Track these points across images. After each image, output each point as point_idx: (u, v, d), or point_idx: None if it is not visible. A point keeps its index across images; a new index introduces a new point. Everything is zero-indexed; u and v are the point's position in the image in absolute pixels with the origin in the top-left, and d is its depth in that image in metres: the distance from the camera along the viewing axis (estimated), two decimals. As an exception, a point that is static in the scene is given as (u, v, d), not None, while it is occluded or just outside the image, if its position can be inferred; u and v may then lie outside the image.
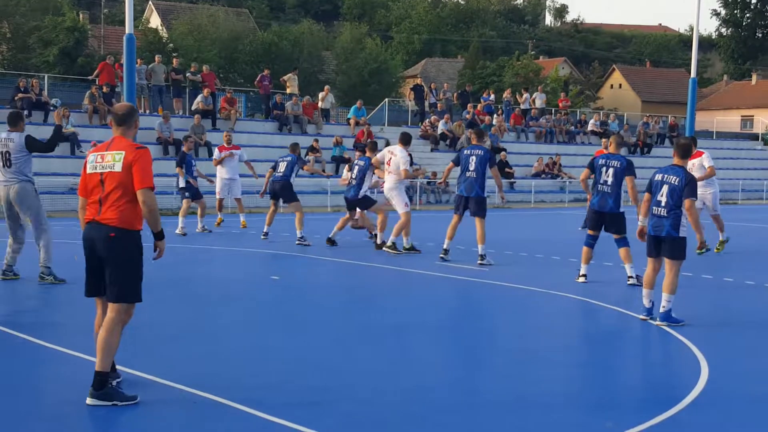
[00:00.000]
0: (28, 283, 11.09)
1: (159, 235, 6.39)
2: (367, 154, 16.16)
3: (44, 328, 8.64)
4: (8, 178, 10.84)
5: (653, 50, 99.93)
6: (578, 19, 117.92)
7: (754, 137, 50.53)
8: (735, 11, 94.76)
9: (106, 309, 6.38)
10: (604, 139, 21.69)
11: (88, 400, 6.14)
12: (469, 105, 37.22)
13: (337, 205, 26.58)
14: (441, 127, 34.72)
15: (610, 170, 11.81)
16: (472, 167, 13.94)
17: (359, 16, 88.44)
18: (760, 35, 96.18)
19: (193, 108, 29.75)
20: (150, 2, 70.67)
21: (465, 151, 14.24)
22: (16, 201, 10.91)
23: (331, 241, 16.22)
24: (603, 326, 9.80)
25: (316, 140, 29.62)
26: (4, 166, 10.80)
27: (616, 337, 9.17)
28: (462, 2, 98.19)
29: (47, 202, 22.26)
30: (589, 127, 40.51)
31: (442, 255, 14.29)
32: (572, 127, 40.12)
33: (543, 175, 34.29)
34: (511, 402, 6.52)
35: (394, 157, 15.31)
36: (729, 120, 63.74)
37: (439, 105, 36.85)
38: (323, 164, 29.16)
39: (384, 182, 15.64)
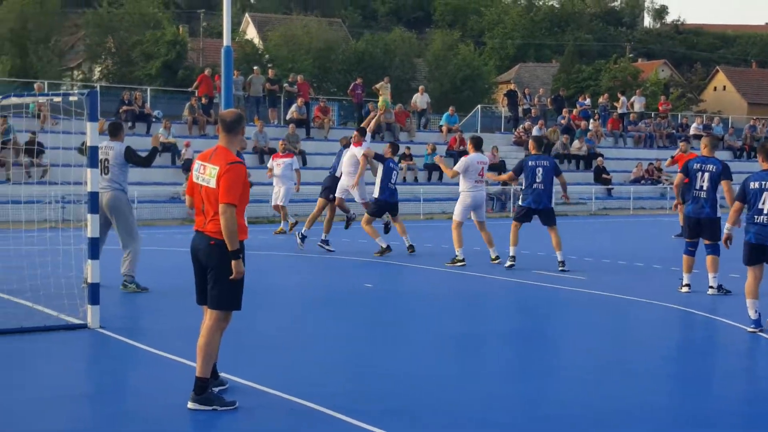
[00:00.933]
0: (112, 290, 11.41)
1: (233, 255, 6.23)
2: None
3: (145, 333, 8.89)
4: (103, 186, 10.95)
5: (759, 50, 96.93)
6: (679, 20, 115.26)
7: None
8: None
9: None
10: (682, 142, 20.40)
11: (189, 404, 6.30)
12: (564, 110, 36.77)
13: (430, 212, 26.65)
14: (535, 132, 34.37)
15: (706, 175, 11.43)
16: (539, 179, 13.85)
17: (451, 22, 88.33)
18: None
19: (287, 117, 30.21)
20: (246, 14, 72.03)
21: (530, 162, 14.04)
22: (109, 209, 11.08)
23: (411, 248, 15.94)
24: (705, 337, 9.58)
25: (408, 148, 29.71)
26: (101, 173, 10.88)
27: (719, 349, 8.95)
28: (556, 6, 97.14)
29: (148, 211, 22.97)
30: (692, 131, 39.46)
31: (510, 263, 14.11)
32: (673, 131, 39.23)
33: (642, 181, 33.64)
34: (610, 414, 6.42)
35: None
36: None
37: (533, 110, 36.51)
38: (415, 172, 29.24)
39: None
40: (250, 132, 27.95)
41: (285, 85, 31.67)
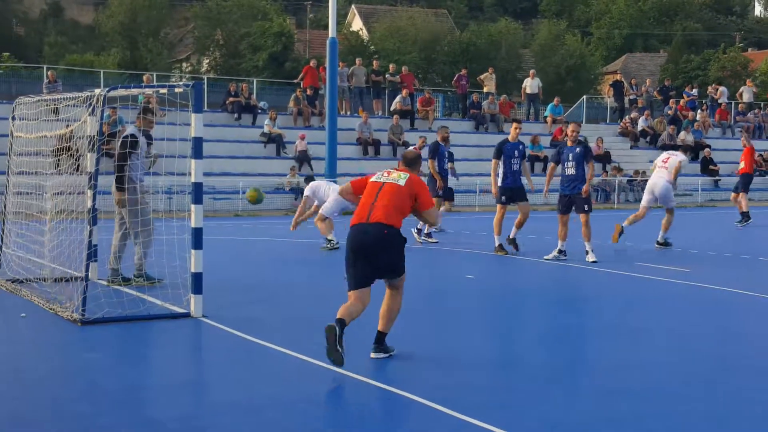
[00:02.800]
0: (216, 280, 11.72)
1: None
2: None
3: (247, 323, 9.14)
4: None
5: None
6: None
7: None
8: None
9: (359, 296, 7.43)
10: None
11: (372, 355, 7.54)
12: (671, 100, 36.02)
13: (486, 204, 26.44)
14: (641, 123, 33.83)
15: None
16: (568, 164, 14.04)
17: (558, 12, 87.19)
18: None
19: (391, 109, 30.44)
20: (353, 6, 72.59)
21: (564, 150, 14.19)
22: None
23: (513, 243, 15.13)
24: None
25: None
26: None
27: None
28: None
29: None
30: (806, 121, 38.32)
31: (563, 257, 13.99)
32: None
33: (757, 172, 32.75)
34: (724, 416, 6.37)
35: None
36: None
37: (639, 101, 35.89)
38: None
39: None
40: (354, 123, 28.32)
41: (387, 76, 31.89)
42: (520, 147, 14.85)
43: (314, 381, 6.93)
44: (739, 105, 37.93)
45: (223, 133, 27.11)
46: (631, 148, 33.23)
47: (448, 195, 17.24)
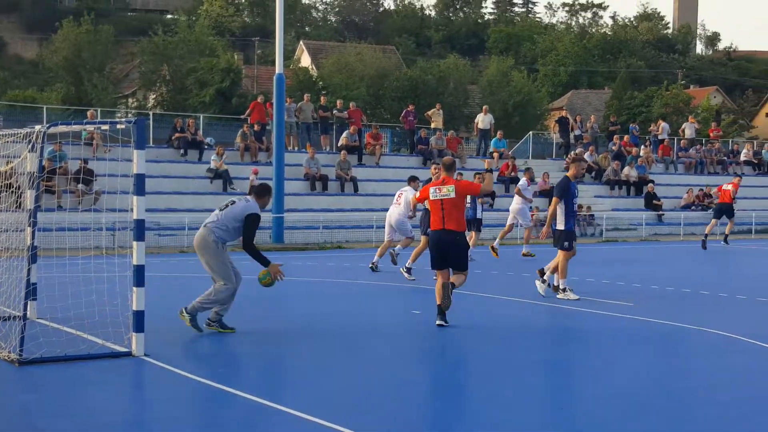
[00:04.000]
0: (157, 318, 11.57)
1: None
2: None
3: (190, 360, 9.01)
4: (210, 220, 10.58)
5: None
6: (731, 47, 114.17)
7: None
8: None
9: (446, 276, 11.05)
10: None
11: (438, 322, 10.84)
12: (615, 137, 36.61)
13: (481, 238, 26.61)
14: (586, 159, 34.27)
15: None
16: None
17: (505, 49, 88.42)
18: None
19: (339, 144, 30.49)
20: (301, 42, 72.87)
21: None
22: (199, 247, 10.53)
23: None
24: (750, 364, 9.47)
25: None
26: (219, 210, 10.65)
27: (746, 373, 8.84)
28: (609, 33, 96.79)
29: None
30: (743, 157, 39.13)
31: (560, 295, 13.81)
32: (724, 158, 38.82)
33: (693, 207, 33.29)
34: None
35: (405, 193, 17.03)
36: None
37: (584, 137, 36.40)
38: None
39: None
40: (302, 159, 28.30)
41: (335, 111, 31.99)
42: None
43: (256, 419, 6.85)
44: (682, 141, 38.66)
45: (169, 168, 26.91)
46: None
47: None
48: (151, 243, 22.34)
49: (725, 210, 25.58)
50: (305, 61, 65.38)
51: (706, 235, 24.65)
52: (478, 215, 20.32)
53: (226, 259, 10.46)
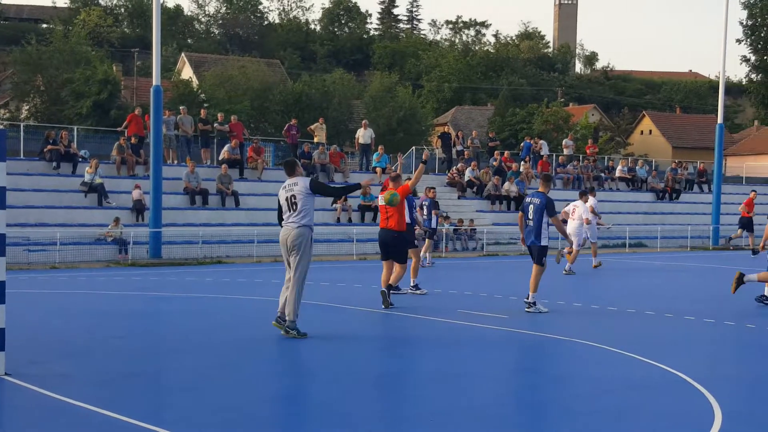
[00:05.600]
0: (21, 335, 11.10)
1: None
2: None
3: (55, 379, 8.62)
4: (292, 221, 11.00)
5: (683, 96, 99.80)
6: (608, 66, 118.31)
7: (786, 182, 50.03)
8: (765, 57, 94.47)
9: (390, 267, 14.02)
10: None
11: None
12: (496, 152, 37.24)
13: (363, 253, 26.65)
14: (468, 174, 34.74)
15: None
16: (530, 215, 13.93)
17: (390, 65, 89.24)
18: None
19: (220, 158, 30.02)
20: (183, 54, 71.82)
21: (527, 199, 14.27)
22: (293, 245, 11.01)
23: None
24: (615, 373, 9.63)
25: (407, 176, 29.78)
26: (290, 209, 10.99)
27: (626, 385, 8.99)
28: (492, 51, 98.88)
29: (72, 253, 22.59)
30: (617, 174, 40.35)
31: (527, 309, 13.98)
32: (601, 174, 39.94)
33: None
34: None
35: None
36: (760, 165, 63.11)
37: (466, 152, 36.89)
38: (349, 212, 29.26)
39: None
40: (181, 172, 27.73)
41: (216, 124, 31.51)
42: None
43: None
44: (560, 157, 39.59)
45: (41, 182, 25.96)
46: (459, 198, 34.03)
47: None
48: (20, 259, 21.55)
49: (745, 223, 29.93)
50: (187, 73, 64.42)
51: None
52: (433, 225, 20.92)
53: None
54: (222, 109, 41.06)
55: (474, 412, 7.65)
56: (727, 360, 10.60)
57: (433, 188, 22.01)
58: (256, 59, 64.54)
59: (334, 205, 29.23)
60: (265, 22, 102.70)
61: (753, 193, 31.84)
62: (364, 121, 35.75)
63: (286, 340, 11.18)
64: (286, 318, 11.15)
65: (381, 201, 13.69)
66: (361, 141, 34.08)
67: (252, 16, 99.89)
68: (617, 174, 40.29)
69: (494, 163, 36.33)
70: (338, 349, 10.77)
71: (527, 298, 14.00)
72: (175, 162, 29.31)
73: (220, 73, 54.98)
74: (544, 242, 13.84)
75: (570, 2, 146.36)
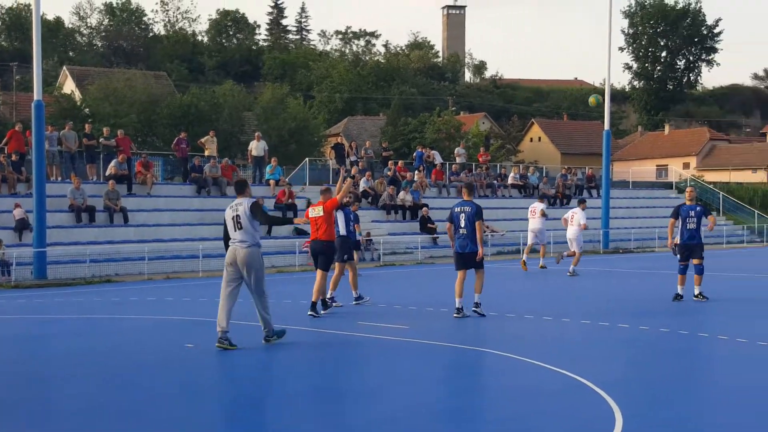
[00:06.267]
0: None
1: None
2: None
3: None
4: (238, 240, 11.43)
5: (570, 104, 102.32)
6: (497, 75, 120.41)
7: (669, 186, 51.55)
8: (646, 65, 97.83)
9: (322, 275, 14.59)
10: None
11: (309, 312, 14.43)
12: (390, 162, 37.23)
13: (303, 264, 26.19)
14: (363, 184, 34.59)
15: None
16: (462, 224, 14.29)
17: (280, 76, 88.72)
18: (670, 87, 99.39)
19: (107, 173, 29.06)
20: (64, 67, 69.78)
21: (455, 209, 14.53)
22: (244, 265, 11.42)
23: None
24: (518, 380, 9.54)
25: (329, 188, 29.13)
26: (235, 229, 11.45)
27: (529, 392, 8.91)
28: (382, 61, 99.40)
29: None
30: (510, 180, 40.86)
31: (455, 315, 14.34)
32: (494, 181, 40.38)
33: (466, 230, 34.30)
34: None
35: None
36: (644, 170, 65.10)
37: (360, 163, 36.76)
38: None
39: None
40: (66, 189, 26.71)
41: (102, 139, 30.52)
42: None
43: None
44: (453, 165, 39.85)
45: None
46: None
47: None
48: None
49: None
50: (69, 87, 62.58)
51: None
52: (357, 237, 19.99)
53: None
54: (108, 123, 39.90)
55: (381, 424, 7.41)
56: (625, 363, 10.66)
57: (357, 202, 21.82)
58: (142, 72, 63.17)
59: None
60: (150, 34, 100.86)
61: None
62: (257, 134, 35.23)
63: (180, 361, 10.75)
64: (263, 330, 11.81)
65: (311, 214, 14.54)
66: (254, 153, 33.55)
67: (136, 28, 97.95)
68: (509, 181, 40.80)
69: (388, 173, 36.31)
70: (237, 367, 10.38)
71: (475, 299, 14.48)
72: (59, 179, 28.22)
73: (105, 86, 53.56)
74: (478, 247, 14.23)
75: (458, 12, 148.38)
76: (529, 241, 25.49)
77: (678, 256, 16.63)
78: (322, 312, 14.90)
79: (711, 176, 64.22)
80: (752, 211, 46.46)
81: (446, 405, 8.36)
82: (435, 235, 32.62)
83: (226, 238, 11.64)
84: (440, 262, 29.87)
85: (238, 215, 11.43)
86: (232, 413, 8.16)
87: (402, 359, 10.85)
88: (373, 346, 11.82)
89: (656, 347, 11.55)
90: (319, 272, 14.65)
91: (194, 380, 9.74)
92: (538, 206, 25.46)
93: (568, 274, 22.84)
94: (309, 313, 14.54)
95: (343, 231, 15.61)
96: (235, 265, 11.44)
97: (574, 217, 23.90)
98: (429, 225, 32.89)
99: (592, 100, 15.92)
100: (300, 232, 29.09)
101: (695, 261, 16.45)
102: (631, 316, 14.28)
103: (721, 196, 47.46)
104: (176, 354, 11.38)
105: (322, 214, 14.41)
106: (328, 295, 15.75)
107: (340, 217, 15.52)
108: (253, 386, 9.48)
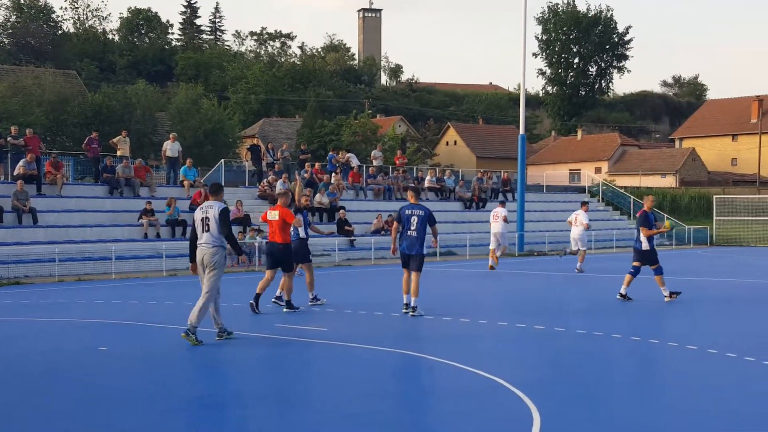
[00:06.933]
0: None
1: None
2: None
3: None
4: (204, 241, 11.80)
5: (485, 108, 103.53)
6: (413, 79, 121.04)
7: (581, 190, 52.53)
8: (559, 70, 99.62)
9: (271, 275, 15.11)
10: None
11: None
12: (306, 164, 37.03)
13: (174, 269, 25.72)
14: (279, 186, 34.30)
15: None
16: (413, 226, 14.71)
17: (194, 76, 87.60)
18: (583, 93, 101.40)
19: (15, 173, 28.20)
20: (-30, 65, 67.59)
21: (406, 211, 14.88)
22: (208, 263, 11.77)
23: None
24: (436, 382, 9.55)
25: (149, 202, 28.63)
26: (203, 230, 11.83)
27: (448, 393, 8.92)
28: (298, 63, 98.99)
29: None
30: (426, 184, 41.06)
31: (404, 310, 14.85)
32: (410, 184, 40.50)
33: (382, 232, 34.31)
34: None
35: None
36: (558, 174, 66.26)
37: (276, 165, 36.47)
38: (157, 227, 28.20)
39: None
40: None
41: (9, 138, 29.61)
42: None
43: None
44: (370, 168, 39.85)
45: None
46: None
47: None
48: None
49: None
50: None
51: None
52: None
53: None
54: (15, 121, 38.74)
55: (301, 428, 7.33)
56: (541, 364, 10.75)
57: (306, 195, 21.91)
58: (51, 70, 61.63)
59: (140, 220, 28.08)
60: (59, 32, 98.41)
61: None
62: (172, 134, 34.63)
63: (94, 366, 10.44)
64: (188, 323, 11.68)
65: (269, 216, 15.11)
66: (168, 154, 32.98)
67: (45, 26, 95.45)
68: (426, 184, 41.00)
69: (305, 175, 36.10)
70: (153, 371, 10.14)
71: (412, 304, 14.83)
72: (-35, 179, 27.29)
73: (13, 84, 52.07)
74: (425, 251, 14.86)
75: (374, 15, 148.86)
76: (492, 245, 26.14)
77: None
78: (286, 310, 15.40)
79: (622, 181, 65.72)
80: (662, 215, 47.66)
81: (361, 408, 8.28)
82: (352, 238, 32.56)
83: (194, 239, 11.95)
84: (358, 264, 29.84)
85: (207, 218, 11.81)
86: (141, 418, 7.96)
87: (317, 362, 10.76)
88: (288, 348, 11.69)
89: (572, 348, 11.69)
90: (268, 272, 15.23)
91: (108, 384, 9.48)
92: (500, 211, 26.18)
93: (576, 271, 24.53)
94: (250, 302, 15.30)
95: (302, 234, 16.11)
96: (202, 264, 11.80)
97: (578, 218, 25.56)
98: (346, 227, 32.82)
99: (667, 224, 16.85)
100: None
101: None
102: (547, 318, 14.46)
103: (632, 200, 48.56)
104: (89, 357, 11.06)
105: (277, 218, 14.91)
106: (310, 297, 16.40)
107: (299, 220, 15.84)
108: (159, 389, 9.26)
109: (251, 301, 15.22)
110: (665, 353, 11.17)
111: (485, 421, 7.70)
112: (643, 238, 16.80)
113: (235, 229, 29.28)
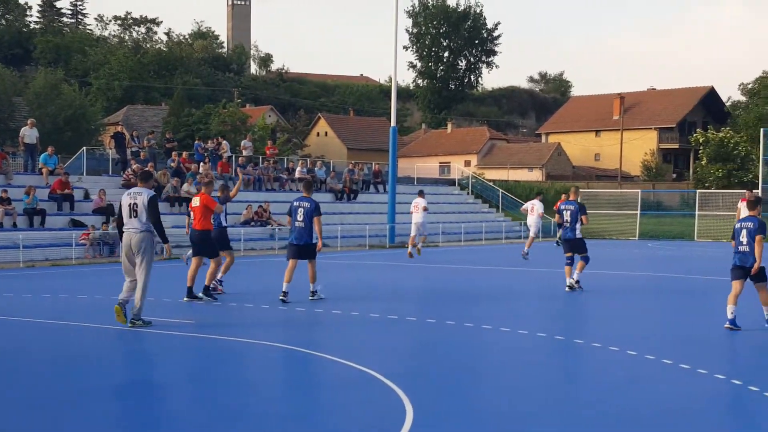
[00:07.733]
0: None
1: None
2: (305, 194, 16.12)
3: None
4: (132, 227, 12.12)
5: (356, 100, 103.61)
6: (283, 69, 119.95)
7: (452, 182, 53.11)
8: (429, 64, 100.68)
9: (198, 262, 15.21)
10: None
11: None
12: (174, 153, 36.05)
13: (31, 260, 24.55)
14: (203, 172, 33.23)
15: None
16: (300, 218, 15.26)
17: (54, 60, 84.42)
18: (452, 87, 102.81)
19: None
20: None
21: (294, 203, 15.43)
22: (136, 248, 12.08)
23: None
24: (307, 374, 9.32)
25: (5, 191, 27.22)
26: (130, 216, 12.13)
27: (318, 385, 8.70)
28: (164, 49, 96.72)
29: None
30: (297, 174, 40.67)
31: (281, 297, 15.09)
32: (281, 175, 40.05)
33: (252, 223, 33.76)
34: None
35: None
36: (428, 166, 66.87)
37: (141, 153, 35.37)
38: (14, 217, 26.87)
39: None
40: None
41: None
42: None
43: None
44: (240, 158, 39.16)
45: None
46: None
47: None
48: None
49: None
50: None
51: None
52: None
53: None
54: None
55: (169, 421, 6.93)
56: (412, 355, 10.68)
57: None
58: None
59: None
60: None
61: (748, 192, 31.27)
62: (30, 120, 33.08)
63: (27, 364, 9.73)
64: (132, 312, 12.11)
65: (193, 203, 15.51)
66: (26, 141, 31.49)
67: None
68: (297, 175, 40.60)
69: (172, 164, 35.14)
70: (29, 369, 9.53)
71: (311, 288, 15.59)
72: None
73: None
74: (314, 240, 15.35)
75: (243, 3, 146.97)
76: (412, 233, 26.93)
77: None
78: (205, 298, 15.50)
79: (491, 174, 66.87)
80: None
81: (228, 401, 7.96)
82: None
83: (121, 224, 12.38)
84: (244, 256, 29.21)
85: (135, 203, 12.14)
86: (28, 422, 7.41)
87: (184, 355, 10.38)
88: (160, 342, 11.22)
89: (442, 339, 11.65)
90: (195, 260, 15.37)
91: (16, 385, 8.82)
92: (420, 202, 26.77)
93: (522, 255, 24.49)
94: (185, 299, 15.38)
95: (224, 222, 16.62)
96: (129, 249, 12.12)
97: (534, 208, 27.92)
98: (214, 218, 32.08)
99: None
100: (77, 224, 27.64)
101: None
102: (418, 309, 14.43)
103: (500, 193, 49.39)
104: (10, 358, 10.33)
105: (198, 204, 15.32)
106: (213, 283, 16.20)
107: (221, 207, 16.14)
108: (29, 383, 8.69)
109: (185, 298, 15.37)
110: (534, 343, 11.25)
111: (358, 413, 7.59)
112: (577, 227, 17.42)
113: (99, 219, 28.27)
